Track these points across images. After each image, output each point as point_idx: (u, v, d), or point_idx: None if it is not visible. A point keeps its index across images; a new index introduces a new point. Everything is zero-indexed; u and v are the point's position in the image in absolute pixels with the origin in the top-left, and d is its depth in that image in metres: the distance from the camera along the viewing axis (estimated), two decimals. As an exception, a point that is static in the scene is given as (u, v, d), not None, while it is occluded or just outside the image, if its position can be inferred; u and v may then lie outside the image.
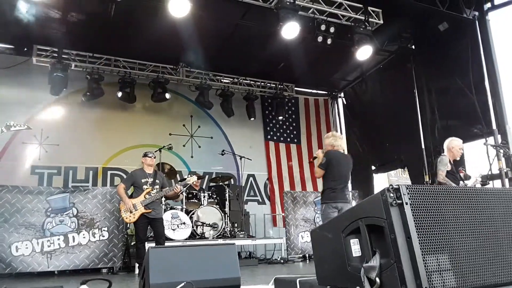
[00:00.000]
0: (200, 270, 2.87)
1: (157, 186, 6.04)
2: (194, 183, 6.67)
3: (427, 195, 1.41)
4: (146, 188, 5.92)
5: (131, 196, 5.99)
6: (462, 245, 1.38)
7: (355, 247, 1.54)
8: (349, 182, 5.17)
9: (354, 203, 8.25)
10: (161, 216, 6.14)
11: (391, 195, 1.39)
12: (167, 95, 8.89)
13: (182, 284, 2.58)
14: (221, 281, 2.90)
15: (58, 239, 6.09)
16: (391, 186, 1.39)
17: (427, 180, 7.99)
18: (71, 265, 6.09)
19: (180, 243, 6.60)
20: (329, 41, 7.25)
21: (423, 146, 8.27)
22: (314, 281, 1.95)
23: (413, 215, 1.35)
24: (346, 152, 5.22)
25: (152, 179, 6.03)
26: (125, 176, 8.50)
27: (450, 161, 5.24)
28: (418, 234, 1.33)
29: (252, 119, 9.97)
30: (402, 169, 9.55)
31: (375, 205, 1.43)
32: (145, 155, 6.06)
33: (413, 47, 9.02)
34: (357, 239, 1.53)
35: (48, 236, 6.05)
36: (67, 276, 6.21)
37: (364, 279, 1.42)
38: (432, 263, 1.31)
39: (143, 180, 5.98)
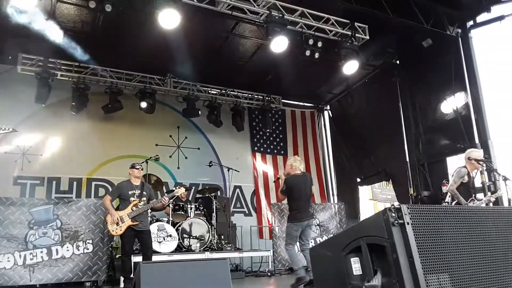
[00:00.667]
0: (192, 285, 2.85)
1: (144, 198, 5.96)
2: (182, 195, 6.61)
3: (427, 215, 1.44)
4: (133, 200, 5.84)
5: (117, 208, 5.88)
6: (462, 264, 1.41)
7: (356, 266, 1.56)
8: (310, 196, 5.80)
9: (337, 216, 8.34)
10: (148, 228, 6.05)
11: (393, 214, 1.42)
12: (143, 104, 8.74)
13: (176, 300, 2.55)
14: (213, 296, 2.88)
15: (41, 251, 5.93)
16: (392, 206, 1.42)
17: (412, 193, 8.14)
18: (54, 278, 5.93)
19: (169, 257, 6.52)
20: (316, 55, 7.36)
21: (407, 159, 8.42)
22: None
23: (414, 235, 1.38)
24: (304, 171, 5.89)
25: (139, 191, 5.95)
26: (110, 187, 8.42)
27: (468, 173, 5.12)
28: (419, 254, 1.36)
29: (239, 130, 9.98)
30: (387, 182, 9.67)
31: (377, 225, 1.46)
32: (133, 166, 5.99)
33: (398, 62, 9.24)
34: (358, 258, 1.55)
35: (31, 248, 5.89)
36: (49, 290, 6.06)
37: (366, 298, 1.44)
38: (434, 282, 1.34)
39: (130, 192, 5.90)
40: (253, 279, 7.19)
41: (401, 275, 1.35)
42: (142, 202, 5.89)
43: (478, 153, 5.35)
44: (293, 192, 5.55)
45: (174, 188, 6.50)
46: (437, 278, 1.37)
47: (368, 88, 9.59)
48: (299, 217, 5.51)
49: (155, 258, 6.00)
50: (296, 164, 5.75)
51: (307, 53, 7.26)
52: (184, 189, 6.49)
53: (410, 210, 1.43)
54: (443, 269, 1.40)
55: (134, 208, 5.80)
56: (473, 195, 5.23)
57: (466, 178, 5.09)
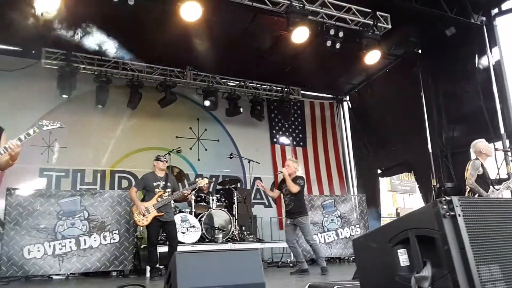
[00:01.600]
0: (226, 275, 2.89)
1: (169, 189, 6.07)
2: (204, 186, 6.68)
3: (477, 206, 1.44)
4: (158, 192, 5.95)
5: (143, 200, 6.01)
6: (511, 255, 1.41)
7: (403, 257, 1.57)
8: None
9: (359, 208, 8.31)
10: (173, 219, 6.16)
11: (444, 206, 1.42)
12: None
13: (214, 289, 2.60)
14: (247, 286, 2.92)
15: (70, 242, 6.11)
16: (444, 198, 1.42)
17: (435, 184, 8.04)
18: (82, 268, 6.11)
19: (193, 247, 6.63)
20: (337, 45, 7.29)
21: (430, 150, 8.31)
22: (353, 288, 1.98)
23: (466, 226, 1.39)
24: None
25: (163, 182, 6.06)
26: (132, 179, 8.57)
27: (482, 165, 5.13)
28: (471, 245, 1.36)
29: (258, 122, 10.00)
30: (409, 173, 9.59)
31: (427, 217, 1.46)
32: (158, 159, 6.10)
33: (420, 51, 9.08)
34: (405, 249, 1.56)
35: (59, 239, 6.06)
36: (78, 279, 6.22)
37: (416, 288, 1.45)
38: (485, 273, 1.35)
39: (154, 184, 6.01)
40: (275, 270, 7.25)
41: (453, 266, 1.36)
42: (167, 193, 6.00)
43: (485, 142, 5.36)
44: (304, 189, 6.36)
45: (196, 180, 6.58)
46: (488, 269, 1.37)
47: (389, 78, 9.46)
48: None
49: (180, 248, 6.11)
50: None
51: (328, 43, 7.19)
52: (207, 180, 6.56)
53: (461, 202, 1.43)
54: (494, 259, 1.40)
55: (159, 199, 5.91)
56: (491, 185, 5.21)
57: (481, 169, 5.09)
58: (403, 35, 8.56)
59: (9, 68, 7.88)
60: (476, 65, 7.63)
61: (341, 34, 7.19)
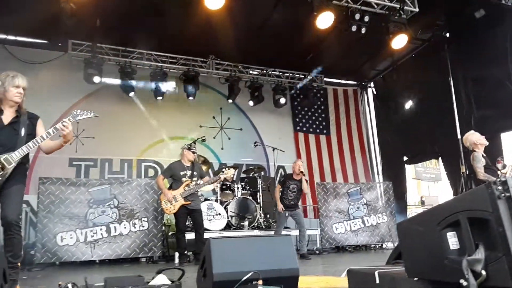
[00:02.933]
0: (260, 260, 2.90)
1: (195, 178, 6.13)
2: (231, 175, 6.72)
3: (534, 188, 1.40)
4: (185, 180, 6.03)
5: (170, 188, 6.11)
6: None
7: (453, 240, 1.54)
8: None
9: (385, 195, 8.21)
10: (199, 207, 6.24)
11: (499, 188, 1.38)
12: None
13: (250, 273, 2.62)
14: (281, 271, 2.93)
15: (101, 229, 6.26)
16: (498, 179, 1.38)
17: (464, 171, 7.86)
18: (113, 254, 6.26)
19: (220, 234, 6.71)
20: (363, 30, 7.15)
21: (459, 137, 8.10)
22: (395, 273, 1.96)
23: (522, 208, 1.35)
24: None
25: (190, 172, 6.14)
26: (158, 168, 8.70)
27: (483, 155, 5.22)
28: (528, 227, 1.33)
29: (281, 110, 9.97)
30: (436, 160, 9.40)
31: (479, 198, 1.42)
32: (189, 148, 6.17)
33: (448, 35, 8.80)
34: (455, 232, 1.53)
35: (91, 226, 6.22)
36: (108, 265, 6.37)
37: (468, 271, 1.42)
38: (542, 255, 1.31)
39: (181, 173, 6.09)
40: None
41: (508, 248, 1.32)
42: (194, 182, 6.07)
43: (476, 134, 5.50)
44: None
45: (223, 170, 6.62)
46: (546, 252, 1.33)
47: (415, 63, 9.22)
48: None
49: (207, 235, 6.19)
50: None
51: (353, 28, 7.06)
52: (233, 171, 6.58)
53: (516, 183, 1.39)
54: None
55: (186, 188, 5.99)
56: (497, 171, 5.22)
57: (483, 160, 5.16)
58: (431, 18, 8.31)
59: (37, 61, 8.03)
60: (507, 49, 7.34)
61: (366, 18, 7.04)
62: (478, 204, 1.43)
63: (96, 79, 8.02)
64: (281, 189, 6.92)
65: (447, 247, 1.55)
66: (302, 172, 6.83)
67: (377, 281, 1.95)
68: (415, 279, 1.74)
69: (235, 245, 3.03)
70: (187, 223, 6.32)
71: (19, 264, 3.30)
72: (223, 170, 6.50)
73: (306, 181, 6.98)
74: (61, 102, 8.15)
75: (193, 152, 6.20)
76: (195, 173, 6.18)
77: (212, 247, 2.92)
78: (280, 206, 6.80)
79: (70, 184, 6.31)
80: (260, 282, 2.39)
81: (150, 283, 2.24)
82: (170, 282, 2.26)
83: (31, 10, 6.96)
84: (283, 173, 10.03)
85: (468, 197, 1.51)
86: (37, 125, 3.53)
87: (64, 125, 3.30)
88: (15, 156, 3.25)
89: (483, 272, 1.39)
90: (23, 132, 3.37)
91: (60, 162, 8.01)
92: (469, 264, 1.43)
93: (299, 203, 6.86)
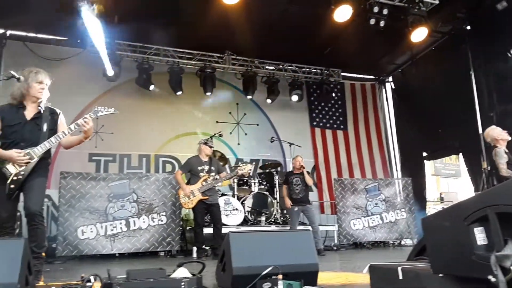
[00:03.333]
0: (280, 255, 2.90)
1: (213, 173, 6.16)
2: (248, 171, 6.72)
3: None
4: (203, 176, 6.06)
5: (188, 183, 6.15)
6: None
7: (480, 236, 1.50)
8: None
9: (404, 192, 8.11)
10: (217, 202, 6.27)
11: (529, 182, 1.34)
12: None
13: (270, 268, 2.62)
14: (300, 266, 2.92)
15: (120, 223, 6.36)
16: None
17: (485, 167, 7.69)
18: (132, 248, 6.35)
19: (237, 229, 6.74)
20: (382, 23, 7.04)
21: (480, 132, 7.92)
22: (420, 268, 1.93)
23: (554, 202, 1.31)
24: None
25: (208, 167, 6.16)
26: (176, 163, 8.77)
27: (505, 151, 5.11)
28: (561, 222, 1.29)
29: (297, 105, 9.92)
30: (456, 156, 9.21)
31: (509, 193, 1.38)
32: (206, 143, 6.19)
33: (469, 27, 8.58)
34: (483, 227, 1.49)
35: (111, 220, 6.33)
36: (128, 258, 6.47)
37: (497, 267, 1.38)
38: None
39: (199, 168, 6.12)
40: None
41: (540, 244, 1.28)
42: (211, 177, 6.10)
43: (497, 128, 5.40)
44: None
45: (239, 165, 6.63)
46: None
47: (435, 56, 9.03)
48: None
49: (224, 230, 6.23)
50: None
51: (372, 21, 6.96)
52: (250, 166, 6.58)
53: (549, 177, 1.34)
54: None
55: (204, 183, 6.02)
56: None
57: (506, 156, 5.05)
58: (451, 10, 8.12)
59: (57, 57, 8.16)
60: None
61: (385, 11, 6.94)
62: (507, 199, 1.39)
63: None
64: (287, 187, 7.05)
65: (475, 243, 1.51)
66: (302, 166, 6.98)
67: (400, 277, 1.92)
68: (440, 275, 1.71)
69: (255, 240, 3.04)
70: (205, 217, 6.36)
71: (43, 254, 3.39)
72: (240, 165, 6.51)
73: (308, 172, 7.13)
74: (80, 98, 8.27)
75: (210, 147, 6.23)
76: (212, 168, 6.21)
77: (232, 241, 2.94)
78: (288, 202, 6.86)
79: (91, 179, 6.41)
80: (280, 276, 2.38)
81: (171, 276, 2.26)
82: (191, 275, 2.28)
83: (50, 7, 7.08)
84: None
85: (496, 191, 1.47)
86: (59, 120, 3.61)
87: (85, 121, 3.37)
88: (38, 151, 3.33)
89: (513, 269, 1.35)
90: (45, 127, 3.44)
91: (80, 157, 8.15)
92: (497, 260, 1.39)
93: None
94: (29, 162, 3.30)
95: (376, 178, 9.54)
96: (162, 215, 6.57)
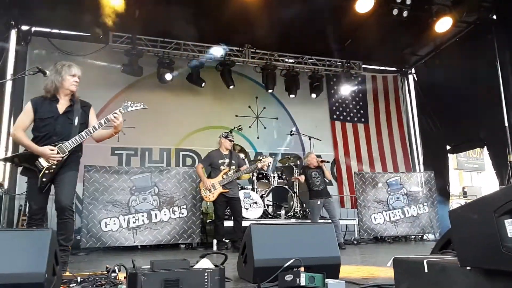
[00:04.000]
0: (301, 248, 2.89)
1: (234, 167, 6.18)
2: (269, 163, 6.70)
3: None
4: (224, 169, 6.09)
5: (209, 176, 6.19)
6: None
7: (511, 228, 1.46)
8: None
9: (427, 185, 7.95)
10: (238, 195, 6.30)
11: None
12: (168, 76, 8.79)
13: (292, 260, 2.61)
14: (322, 259, 2.90)
15: (142, 215, 6.46)
16: None
17: (511, 160, 7.48)
18: (154, 240, 6.45)
19: (257, 222, 6.75)
20: (405, 13, 6.93)
21: (506, 124, 7.70)
22: (446, 261, 1.89)
23: None
24: None
25: (228, 160, 6.19)
26: (196, 157, 8.85)
27: None
28: None
29: (317, 99, 9.83)
30: (481, 149, 8.98)
31: (543, 184, 1.34)
32: (226, 136, 6.21)
33: (495, 17, 8.31)
34: (514, 219, 1.45)
35: (133, 213, 6.43)
36: (149, 250, 6.58)
37: (529, 260, 1.34)
38: None
39: (220, 161, 6.15)
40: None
41: None
42: (232, 171, 6.13)
43: None
44: None
45: (260, 158, 6.65)
46: None
47: (459, 47, 8.79)
48: None
49: (245, 223, 6.25)
50: None
51: (395, 12, 6.86)
52: (270, 159, 6.56)
53: None
54: None
55: (225, 176, 6.05)
56: None
57: None
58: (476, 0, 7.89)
59: (80, 53, 8.31)
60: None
61: (408, 1, 6.81)
62: (541, 190, 1.35)
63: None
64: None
65: (505, 235, 1.47)
66: (322, 160, 6.98)
67: (426, 270, 1.89)
68: (468, 268, 1.67)
69: (276, 232, 3.04)
70: (225, 211, 6.40)
71: (69, 247, 3.47)
72: (260, 158, 6.51)
73: (325, 161, 7.14)
74: (103, 93, 8.41)
75: (230, 140, 6.25)
76: (233, 161, 6.23)
77: (253, 234, 2.94)
78: (302, 177, 6.84)
79: (113, 172, 6.52)
80: (302, 269, 2.37)
81: (194, 267, 2.28)
82: (214, 266, 2.29)
83: (73, 3, 7.21)
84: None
85: (530, 182, 1.42)
86: (90, 113, 3.66)
87: (115, 117, 3.42)
88: (69, 145, 3.38)
89: (546, 262, 1.31)
90: (76, 121, 3.49)
91: (103, 151, 8.29)
92: (530, 253, 1.35)
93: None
94: (61, 160, 3.35)
95: (398, 171, 9.40)
96: (182, 208, 6.64)
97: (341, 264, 2.99)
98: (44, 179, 3.33)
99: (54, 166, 3.35)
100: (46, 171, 3.33)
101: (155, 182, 6.61)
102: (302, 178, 6.84)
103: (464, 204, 1.72)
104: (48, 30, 8.47)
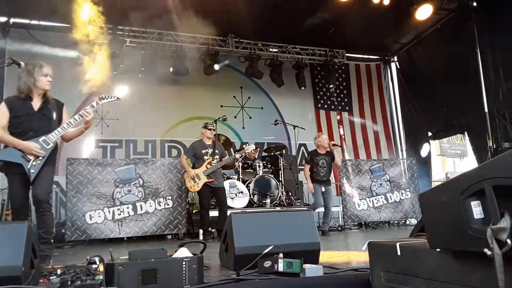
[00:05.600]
0: (281, 234, 2.94)
1: (217, 156, 6.20)
2: (252, 151, 6.73)
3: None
4: (207, 159, 6.10)
5: (193, 167, 6.20)
6: None
7: (477, 209, 1.50)
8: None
9: (409, 172, 8.07)
10: (222, 185, 6.32)
11: (526, 154, 1.33)
12: (216, 66, 8.93)
13: (271, 247, 2.65)
14: (302, 245, 2.95)
15: (127, 207, 6.43)
16: (525, 145, 1.33)
17: (491, 145, 7.64)
18: (140, 231, 6.44)
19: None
20: (386, 1, 6.95)
21: (486, 110, 7.84)
22: (417, 244, 1.94)
23: (551, 173, 1.30)
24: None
25: (211, 150, 6.20)
26: (181, 148, 8.82)
27: None
28: (556, 194, 1.28)
29: (302, 88, 9.85)
30: (462, 135, 9.14)
31: (505, 165, 1.37)
32: (205, 126, 6.21)
33: (475, 4, 8.40)
34: (479, 201, 1.49)
35: (118, 205, 6.40)
36: (136, 242, 6.58)
37: (493, 240, 1.39)
38: None
39: (203, 151, 6.15)
40: (324, 234, 7.29)
41: (535, 216, 1.28)
42: (215, 160, 6.14)
43: None
44: None
45: (243, 146, 6.68)
46: None
47: (440, 34, 8.88)
48: None
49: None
50: None
51: (376, 0, 6.86)
52: (254, 146, 6.61)
53: (545, 149, 1.33)
54: None
55: (209, 166, 6.06)
56: None
57: None
58: (457, -14, 7.97)
59: (61, 45, 8.13)
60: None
61: (389, -11, 6.82)
62: (504, 171, 1.38)
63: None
64: (310, 168, 6.81)
65: (472, 217, 1.51)
66: (334, 144, 6.87)
67: (399, 253, 1.93)
68: (438, 250, 1.72)
69: (256, 220, 3.07)
70: (210, 201, 6.42)
71: (52, 240, 3.48)
72: (243, 146, 6.55)
73: (337, 145, 7.05)
74: (83, 85, 8.25)
75: (210, 129, 6.24)
76: (216, 151, 6.24)
77: (234, 222, 2.97)
78: (310, 186, 6.73)
79: (97, 165, 6.46)
80: (281, 255, 2.41)
81: (173, 256, 2.30)
82: (192, 255, 2.31)
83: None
84: (305, 151, 9.99)
85: (493, 164, 1.46)
86: (63, 111, 3.71)
87: (87, 112, 3.51)
88: (53, 137, 3.46)
89: (508, 241, 1.35)
90: (54, 116, 3.55)
91: (86, 144, 8.22)
92: (493, 233, 1.39)
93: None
94: (44, 153, 3.41)
95: (381, 158, 9.52)
96: (168, 199, 6.63)
97: (324, 250, 3.04)
98: (32, 171, 3.38)
99: (41, 158, 3.41)
100: (34, 163, 3.37)
101: (139, 174, 6.58)
102: (307, 168, 6.80)
103: (433, 187, 1.76)
104: (27, 21, 8.27)
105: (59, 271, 2.70)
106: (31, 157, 3.36)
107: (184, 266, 2.17)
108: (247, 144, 6.93)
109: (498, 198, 1.42)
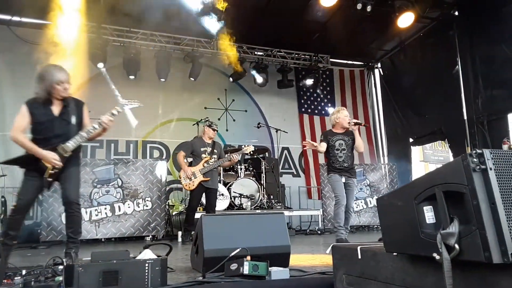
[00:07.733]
0: (252, 237, 2.94)
1: (215, 156, 6.13)
2: (250, 152, 6.66)
3: (511, 160, 1.37)
4: (205, 157, 6.03)
5: (190, 165, 6.12)
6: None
7: (429, 214, 1.52)
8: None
9: (389, 177, 8.16)
10: (216, 187, 6.24)
11: (474, 160, 1.35)
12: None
13: (238, 250, 2.64)
14: (272, 248, 2.95)
15: (105, 208, 6.36)
16: (474, 151, 1.35)
17: (469, 152, 7.74)
18: (117, 233, 6.38)
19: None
20: (368, 8, 7.04)
21: (465, 117, 7.98)
22: (377, 248, 1.96)
23: (497, 180, 1.32)
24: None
25: (210, 149, 6.13)
26: (163, 149, 8.77)
27: None
28: (503, 200, 1.30)
29: (286, 91, 9.89)
30: (442, 141, 9.28)
31: (455, 171, 1.40)
32: (210, 125, 6.15)
33: (457, 13, 8.56)
34: (431, 206, 1.51)
35: (95, 205, 6.33)
36: (113, 243, 6.50)
37: (442, 245, 1.41)
38: (516, 229, 1.29)
39: (202, 149, 6.07)
40: (303, 237, 7.31)
41: (482, 221, 1.30)
42: (213, 159, 6.07)
43: None
44: None
45: (242, 146, 6.67)
46: (521, 226, 1.31)
47: (423, 42, 9.03)
48: None
49: (220, 212, 6.24)
50: None
51: (359, 6, 6.96)
52: (253, 147, 6.56)
53: (493, 155, 1.36)
54: (527, 216, 1.34)
55: (206, 165, 5.99)
56: None
57: None
58: (439, -5, 8.10)
59: (42, 42, 8.01)
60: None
61: (372, -4, 6.91)
62: (454, 177, 1.41)
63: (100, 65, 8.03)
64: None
65: (424, 222, 1.54)
66: (356, 123, 5.08)
67: (359, 257, 1.95)
68: (395, 254, 1.74)
69: (227, 222, 3.06)
70: (199, 202, 6.32)
71: (79, 239, 3.49)
72: (243, 146, 6.54)
73: (361, 124, 5.12)
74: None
75: (214, 130, 6.19)
76: (215, 150, 6.17)
77: (204, 224, 2.96)
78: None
79: (75, 164, 6.36)
80: (248, 258, 2.41)
81: (136, 258, 2.28)
82: (156, 257, 2.29)
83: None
84: (287, 155, 10.01)
85: (444, 170, 1.48)
86: (84, 112, 3.72)
87: (110, 120, 3.68)
88: (71, 146, 3.42)
89: (456, 246, 1.37)
90: (73, 120, 3.52)
91: (66, 143, 8.08)
92: (442, 238, 1.41)
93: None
94: (62, 164, 3.37)
95: (363, 163, 9.59)
96: (147, 200, 6.58)
97: (298, 253, 3.05)
98: (49, 179, 3.36)
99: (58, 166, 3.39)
100: (51, 171, 3.34)
101: (118, 174, 6.52)
102: (322, 146, 5.07)
103: (390, 191, 1.78)
104: (8, 17, 8.13)
105: (23, 272, 2.65)
106: (49, 165, 3.33)
107: (147, 268, 2.16)
108: (247, 144, 6.75)
109: (448, 203, 1.45)
